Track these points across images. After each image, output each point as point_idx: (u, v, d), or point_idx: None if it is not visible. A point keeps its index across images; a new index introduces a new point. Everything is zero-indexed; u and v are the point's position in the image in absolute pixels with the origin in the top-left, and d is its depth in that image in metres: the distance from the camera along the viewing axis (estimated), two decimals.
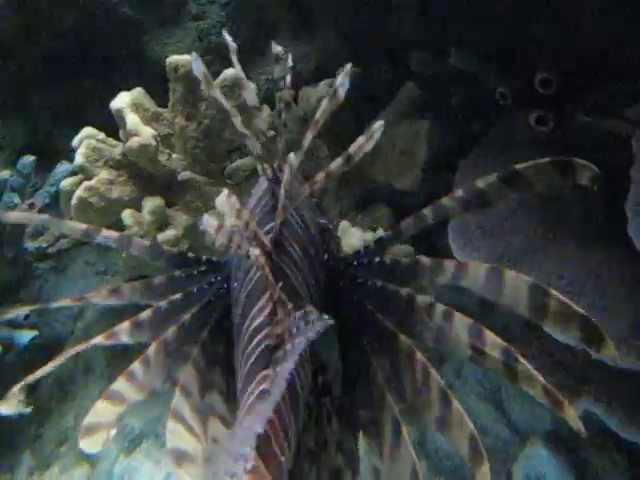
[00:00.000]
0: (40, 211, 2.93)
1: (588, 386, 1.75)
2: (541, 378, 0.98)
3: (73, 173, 2.40)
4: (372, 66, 2.57)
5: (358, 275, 1.23)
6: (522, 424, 2.33)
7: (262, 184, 1.29)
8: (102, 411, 1.10)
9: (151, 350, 1.21)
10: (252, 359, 1.02)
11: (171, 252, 1.32)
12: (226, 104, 1.15)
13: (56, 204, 2.68)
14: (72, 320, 3.09)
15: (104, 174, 2.26)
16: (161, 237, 2.16)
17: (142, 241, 1.30)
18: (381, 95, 2.48)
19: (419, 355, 1.08)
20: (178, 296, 1.26)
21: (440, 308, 1.08)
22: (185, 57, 2.29)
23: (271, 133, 2.42)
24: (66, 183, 2.32)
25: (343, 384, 1.24)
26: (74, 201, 2.21)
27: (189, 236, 2.24)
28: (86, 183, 2.22)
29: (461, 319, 1.05)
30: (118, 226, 2.29)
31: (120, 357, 2.80)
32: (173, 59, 2.29)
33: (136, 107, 2.25)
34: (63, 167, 2.80)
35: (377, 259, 1.21)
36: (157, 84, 2.45)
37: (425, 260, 1.13)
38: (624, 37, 1.91)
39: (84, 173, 2.27)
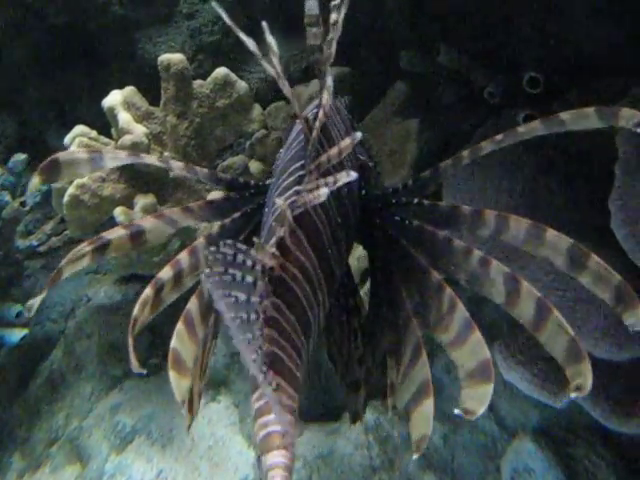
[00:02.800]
0: (31, 210, 2.93)
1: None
2: (570, 332, 1.00)
3: None
4: (362, 65, 2.60)
5: (396, 213, 1.25)
6: (510, 420, 2.36)
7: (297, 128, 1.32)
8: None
9: (199, 242, 1.26)
10: None
11: (227, 178, 1.43)
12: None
13: (47, 202, 2.69)
14: (64, 318, 3.09)
15: (96, 172, 2.26)
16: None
17: (203, 169, 1.40)
18: (371, 94, 2.50)
19: (448, 290, 1.10)
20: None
21: (478, 254, 1.10)
22: (177, 56, 2.31)
23: (263, 132, 2.44)
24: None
25: (371, 308, 1.31)
26: (66, 199, 2.22)
27: (181, 233, 2.25)
28: (78, 181, 2.23)
29: (498, 267, 1.07)
30: (110, 224, 2.30)
31: (111, 355, 2.82)
32: (165, 57, 2.31)
33: (128, 105, 2.26)
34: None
35: (416, 200, 1.23)
36: (149, 82, 2.46)
37: (466, 209, 1.15)
38: (609, 37, 1.94)
39: None
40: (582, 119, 1.05)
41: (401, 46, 2.39)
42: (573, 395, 0.98)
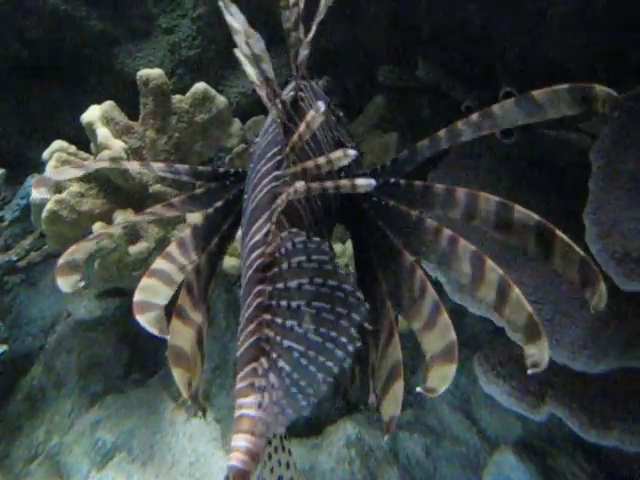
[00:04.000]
0: (10, 224, 2.90)
1: (551, 390, 1.79)
2: (529, 308, 1.01)
3: None
4: (342, 79, 2.61)
5: (373, 194, 1.24)
6: (492, 432, 2.37)
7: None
8: (149, 286, 1.16)
9: (186, 234, 1.27)
10: (249, 273, 1.07)
11: (207, 170, 1.42)
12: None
13: (27, 217, 2.66)
14: (44, 334, 3.06)
15: (75, 187, 2.25)
16: (132, 250, 2.16)
17: (184, 165, 1.40)
18: (351, 108, 2.52)
19: (420, 272, 1.11)
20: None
21: (447, 233, 1.11)
22: (155, 71, 2.31)
23: (242, 146, 2.44)
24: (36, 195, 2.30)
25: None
26: (44, 214, 2.20)
27: (161, 249, 2.24)
28: (57, 196, 2.21)
29: (466, 245, 1.08)
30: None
31: (91, 371, 2.79)
32: (144, 72, 2.31)
33: (107, 120, 2.25)
34: (34, 180, 2.78)
35: (392, 180, 1.24)
36: (128, 97, 2.46)
37: (439, 187, 1.15)
38: (583, 52, 1.98)
39: (54, 186, 2.26)
40: (555, 99, 1.03)
41: (379, 60, 2.41)
42: (530, 371, 0.99)
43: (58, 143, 2.32)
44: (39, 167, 2.64)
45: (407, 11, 2.30)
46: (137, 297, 1.13)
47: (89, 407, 2.72)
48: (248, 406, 0.93)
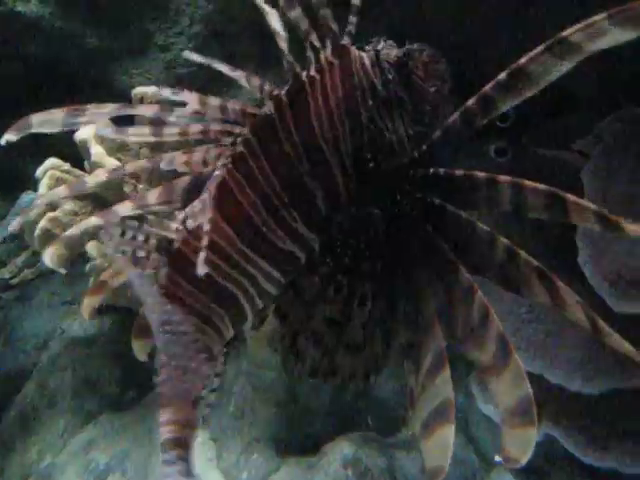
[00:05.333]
0: (4, 241, 2.89)
1: (547, 410, 1.78)
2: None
3: None
4: None
5: (414, 189, 1.12)
6: (488, 449, 2.35)
7: None
8: None
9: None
10: None
11: None
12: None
13: (20, 234, 2.65)
14: (37, 351, 3.04)
15: (68, 205, 2.25)
16: None
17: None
18: None
19: (479, 295, 0.99)
20: None
21: (503, 243, 1.00)
22: (152, 88, 2.31)
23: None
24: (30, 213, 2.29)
25: (382, 292, 1.19)
26: (37, 232, 2.19)
27: None
28: (50, 214, 2.21)
29: (527, 259, 0.97)
30: (81, 262, 2.28)
31: (85, 389, 2.77)
32: (139, 90, 2.30)
33: (101, 138, 2.25)
34: (28, 197, 2.78)
35: (432, 170, 1.11)
36: (123, 116, 2.45)
37: (480, 176, 1.03)
38: (579, 73, 1.99)
39: (48, 204, 2.26)
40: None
41: None
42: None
43: (51, 161, 2.32)
44: (34, 184, 2.64)
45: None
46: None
47: (83, 426, 2.69)
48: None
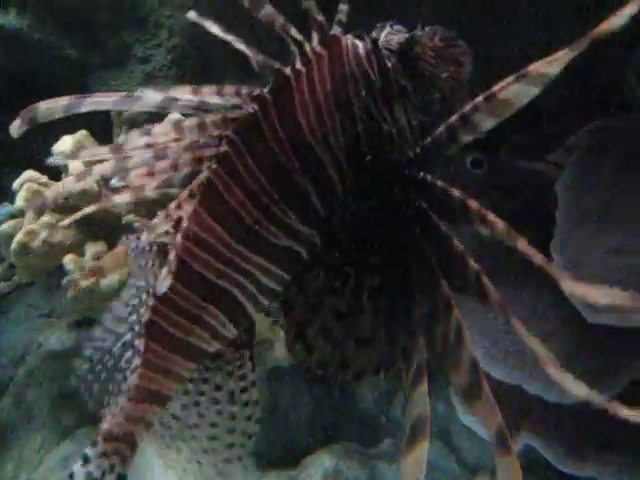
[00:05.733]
0: None
1: (527, 420, 1.79)
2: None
3: (14, 216, 2.35)
4: None
5: (410, 191, 1.08)
6: (471, 459, 2.36)
7: None
8: None
9: None
10: None
11: None
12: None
13: None
14: (13, 365, 2.99)
15: (46, 218, 2.22)
16: (104, 283, 2.13)
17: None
18: None
19: (456, 313, 0.97)
20: None
21: (474, 267, 0.97)
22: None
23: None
24: (6, 226, 2.27)
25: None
26: (14, 245, 2.17)
27: None
28: (27, 227, 2.18)
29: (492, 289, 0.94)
30: (59, 272, 2.25)
31: (63, 404, 2.72)
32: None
33: (80, 150, 2.23)
34: (4, 209, 2.74)
35: (421, 174, 1.06)
36: (104, 126, 2.44)
37: (455, 195, 0.99)
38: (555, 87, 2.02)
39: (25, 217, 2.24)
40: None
41: None
42: None
43: (29, 173, 2.30)
44: (11, 196, 2.61)
45: None
46: None
47: (60, 441, 2.65)
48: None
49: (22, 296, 3.05)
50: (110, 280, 2.20)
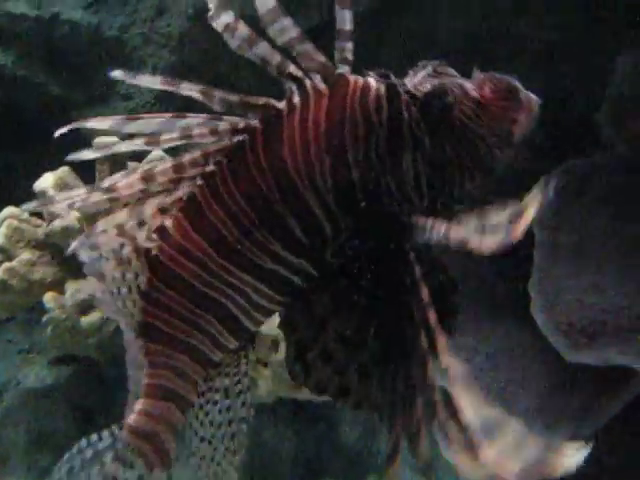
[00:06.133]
0: None
1: None
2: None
3: None
4: None
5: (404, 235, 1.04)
6: None
7: None
8: None
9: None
10: None
11: None
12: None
13: None
14: None
15: (26, 254, 2.21)
16: (85, 321, 2.11)
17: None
18: None
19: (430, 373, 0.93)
20: None
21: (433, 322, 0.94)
22: (112, 138, 2.31)
23: None
24: None
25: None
26: None
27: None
28: (6, 264, 2.17)
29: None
30: (40, 307, 2.23)
31: (40, 445, 2.67)
32: (100, 139, 2.30)
33: (60, 187, 2.23)
34: None
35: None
36: (86, 162, 2.44)
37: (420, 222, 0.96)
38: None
39: (5, 254, 2.22)
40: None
41: None
42: None
43: (9, 210, 2.29)
44: None
45: None
46: None
47: None
48: None
49: (1, 331, 3.01)
50: (91, 317, 2.19)
